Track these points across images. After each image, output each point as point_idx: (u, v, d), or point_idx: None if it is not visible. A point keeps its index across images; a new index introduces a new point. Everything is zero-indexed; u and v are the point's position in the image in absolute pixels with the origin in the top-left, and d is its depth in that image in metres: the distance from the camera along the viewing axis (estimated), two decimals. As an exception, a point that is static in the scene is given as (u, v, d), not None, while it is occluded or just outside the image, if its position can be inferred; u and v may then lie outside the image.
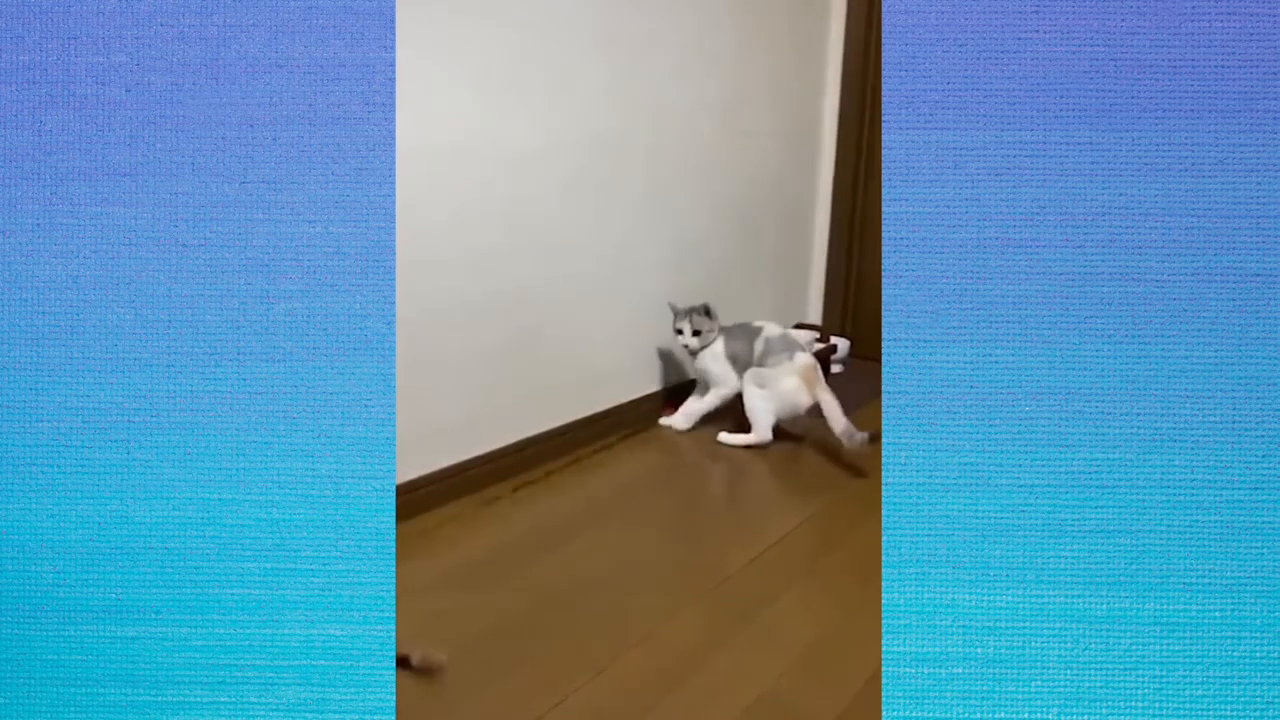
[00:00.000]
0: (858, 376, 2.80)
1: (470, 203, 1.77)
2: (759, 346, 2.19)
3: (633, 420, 2.32)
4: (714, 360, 2.24)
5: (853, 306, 2.98)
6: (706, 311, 2.20)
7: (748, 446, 2.19)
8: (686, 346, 2.21)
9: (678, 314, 2.22)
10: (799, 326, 2.86)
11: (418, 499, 1.77)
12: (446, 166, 1.71)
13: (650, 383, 2.40)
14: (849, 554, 1.65)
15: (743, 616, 1.45)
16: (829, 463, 2.12)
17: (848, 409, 2.09)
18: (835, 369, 2.84)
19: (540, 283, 1.98)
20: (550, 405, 2.08)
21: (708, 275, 2.46)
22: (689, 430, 2.32)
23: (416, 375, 1.74)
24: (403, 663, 1.30)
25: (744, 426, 2.23)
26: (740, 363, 2.23)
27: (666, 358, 2.45)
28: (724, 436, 2.22)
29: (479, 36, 1.72)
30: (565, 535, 1.73)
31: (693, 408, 2.32)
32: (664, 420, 2.35)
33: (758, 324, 2.26)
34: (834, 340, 2.87)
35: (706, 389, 2.31)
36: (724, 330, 2.25)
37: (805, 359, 2.15)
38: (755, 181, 2.61)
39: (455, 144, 1.71)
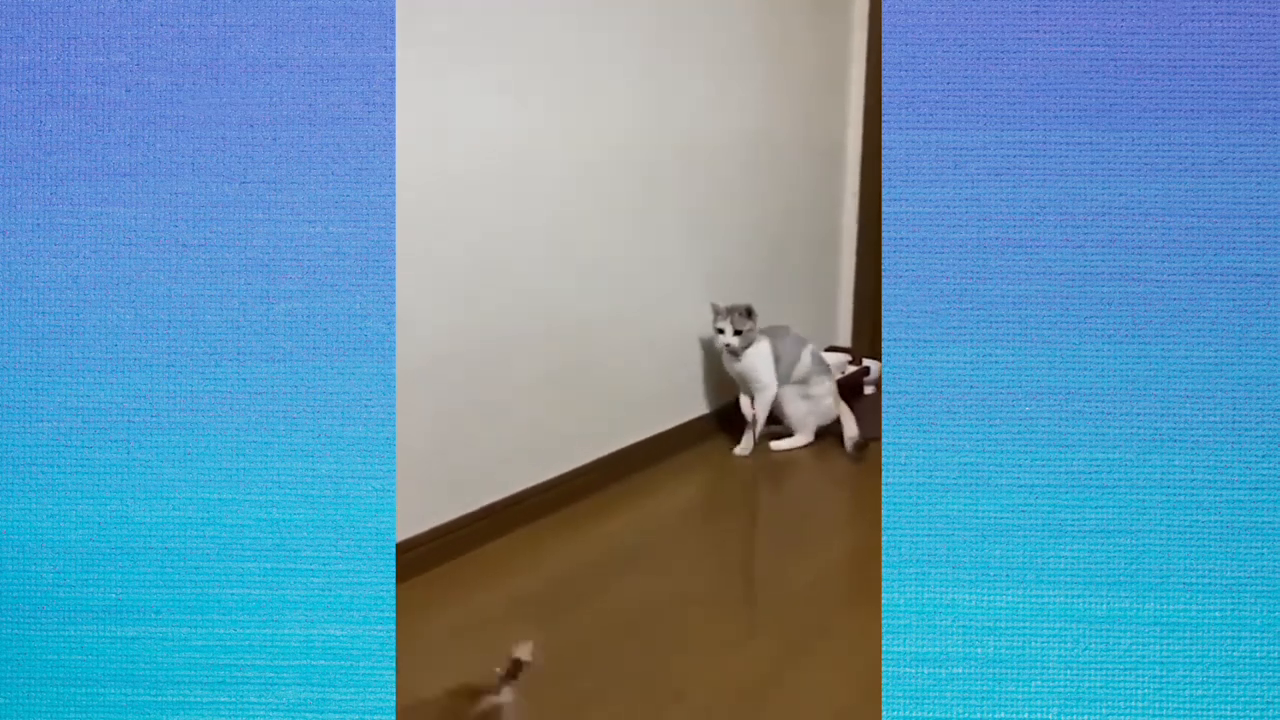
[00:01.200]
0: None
1: (508, 229, 1.79)
2: (806, 359, 2.31)
3: (678, 444, 2.33)
4: (761, 361, 2.27)
5: (882, 328, 2.97)
6: (748, 313, 2.22)
7: (796, 449, 2.34)
8: (728, 345, 2.22)
9: (719, 313, 2.23)
10: (830, 349, 2.88)
11: (473, 533, 1.76)
12: (492, 201, 1.72)
13: (695, 407, 2.41)
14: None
15: (812, 636, 1.44)
16: (880, 476, 2.14)
17: (876, 429, 2.26)
18: (868, 390, 2.87)
19: (580, 311, 1.99)
20: (595, 434, 2.08)
21: (741, 299, 2.44)
22: (747, 452, 2.33)
23: (467, 408, 1.74)
24: (516, 669, 1.18)
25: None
26: (783, 365, 2.29)
27: (709, 380, 2.46)
28: (775, 444, 2.34)
29: (519, 70, 1.74)
30: (623, 564, 1.71)
31: (749, 412, 2.34)
32: (736, 450, 2.35)
33: (797, 333, 2.37)
34: (866, 362, 2.89)
35: (748, 392, 2.33)
36: (765, 332, 2.28)
37: (832, 378, 2.39)
38: (785, 206, 2.63)
39: (500, 178, 1.73)
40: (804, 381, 2.30)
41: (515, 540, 1.80)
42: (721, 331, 2.21)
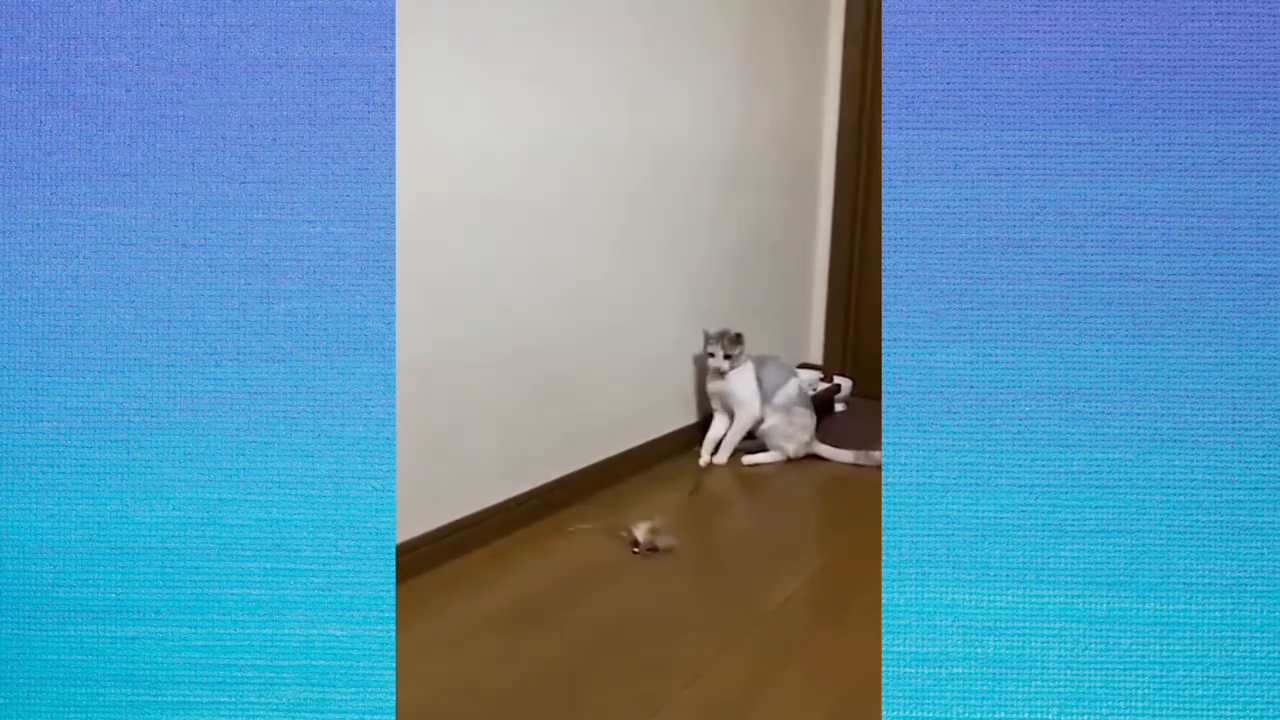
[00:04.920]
0: (861, 415, 2.85)
1: (500, 253, 1.81)
2: (793, 389, 2.41)
3: (654, 458, 2.38)
4: (744, 383, 2.37)
5: (852, 346, 3.07)
6: (738, 339, 2.35)
7: (768, 464, 2.42)
8: (718, 369, 2.35)
9: (709, 338, 2.36)
10: (802, 366, 2.93)
11: (454, 543, 1.77)
12: (479, 219, 1.74)
13: (672, 421, 2.46)
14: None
15: (788, 652, 1.43)
16: (854, 492, 2.19)
17: (852, 446, 2.44)
18: (839, 408, 2.91)
19: (565, 329, 2.03)
20: (577, 447, 2.12)
21: (717, 319, 2.53)
22: (723, 461, 2.40)
23: (452, 420, 1.75)
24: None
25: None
26: (765, 389, 2.39)
27: (684, 396, 2.52)
28: (747, 458, 2.41)
29: (504, 88, 1.76)
30: (602, 576, 1.70)
31: (717, 435, 2.42)
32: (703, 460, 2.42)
33: (784, 363, 2.48)
34: (837, 380, 2.92)
35: (726, 412, 2.41)
36: (752, 358, 2.40)
37: (813, 413, 2.48)
38: (759, 229, 2.70)
39: (487, 196, 1.75)
40: (786, 410, 2.40)
41: (487, 555, 1.80)
42: (713, 355, 2.35)
